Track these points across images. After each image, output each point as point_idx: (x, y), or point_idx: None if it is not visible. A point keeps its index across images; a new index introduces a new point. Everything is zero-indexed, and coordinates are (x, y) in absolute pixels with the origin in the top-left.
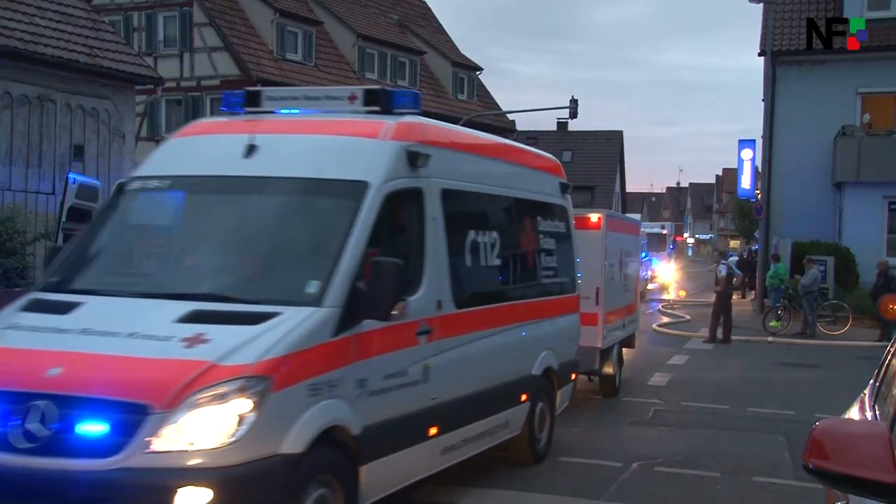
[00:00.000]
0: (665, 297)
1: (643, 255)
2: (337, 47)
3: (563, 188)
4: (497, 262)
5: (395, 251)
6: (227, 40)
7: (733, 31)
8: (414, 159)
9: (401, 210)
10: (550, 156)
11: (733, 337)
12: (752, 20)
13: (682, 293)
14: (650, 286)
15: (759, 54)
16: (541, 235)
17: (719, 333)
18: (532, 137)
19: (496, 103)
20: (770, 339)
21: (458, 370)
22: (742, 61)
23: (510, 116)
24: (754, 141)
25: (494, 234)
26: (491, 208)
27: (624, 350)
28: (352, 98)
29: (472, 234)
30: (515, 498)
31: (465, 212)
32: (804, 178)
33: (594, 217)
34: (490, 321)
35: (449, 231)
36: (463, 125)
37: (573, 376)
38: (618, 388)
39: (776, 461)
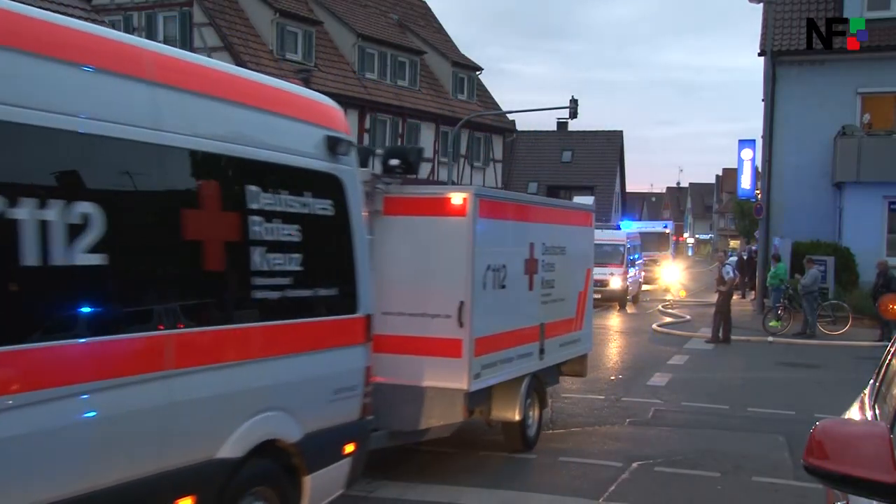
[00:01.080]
0: (668, 297)
1: (635, 256)
2: (337, 47)
3: (334, 146)
4: (94, 259)
5: None
6: (227, 40)
7: (733, 31)
8: None
9: None
10: (306, 91)
11: (733, 337)
12: (752, 20)
13: (683, 293)
14: (645, 287)
15: (759, 54)
16: (256, 219)
17: (720, 333)
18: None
19: (496, 103)
20: (770, 339)
21: None
22: (742, 61)
23: (510, 116)
24: (754, 141)
25: (84, 208)
26: (68, 157)
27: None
28: None
29: None
30: (515, 498)
31: None
32: (804, 178)
33: (456, 198)
34: (48, 373)
35: None
36: (463, 125)
37: (349, 448)
38: (532, 440)
39: (776, 461)
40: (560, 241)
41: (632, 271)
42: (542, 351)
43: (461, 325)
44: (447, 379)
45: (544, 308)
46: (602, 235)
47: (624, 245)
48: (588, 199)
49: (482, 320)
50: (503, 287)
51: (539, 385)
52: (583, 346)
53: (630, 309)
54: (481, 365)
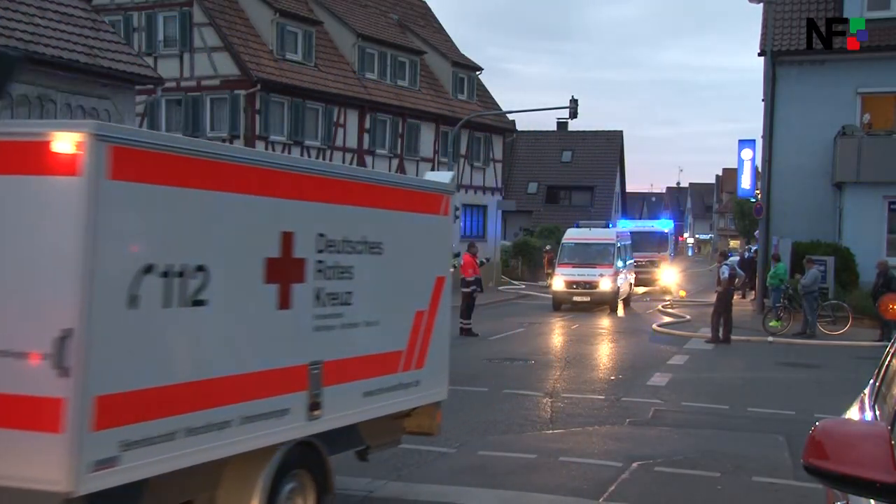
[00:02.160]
0: (667, 297)
1: (626, 256)
2: (337, 47)
3: None
4: None
5: None
6: (227, 40)
7: (733, 31)
8: None
9: None
10: None
11: (733, 337)
12: (752, 20)
13: (683, 293)
14: (642, 289)
15: (759, 54)
16: None
17: (720, 333)
18: None
19: (496, 103)
20: (770, 339)
21: None
22: (742, 61)
23: (510, 116)
24: (754, 141)
25: None
26: None
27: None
28: None
29: None
30: (515, 498)
31: None
32: (804, 178)
33: (61, 143)
34: None
35: None
36: (463, 125)
37: None
38: None
39: (776, 461)
40: (368, 232)
41: (622, 272)
42: (315, 405)
43: (63, 371)
44: (31, 473)
45: (324, 337)
46: (591, 234)
47: (614, 244)
48: (444, 176)
49: (123, 361)
50: (199, 303)
51: (316, 460)
52: (427, 392)
53: (621, 311)
54: (121, 442)
